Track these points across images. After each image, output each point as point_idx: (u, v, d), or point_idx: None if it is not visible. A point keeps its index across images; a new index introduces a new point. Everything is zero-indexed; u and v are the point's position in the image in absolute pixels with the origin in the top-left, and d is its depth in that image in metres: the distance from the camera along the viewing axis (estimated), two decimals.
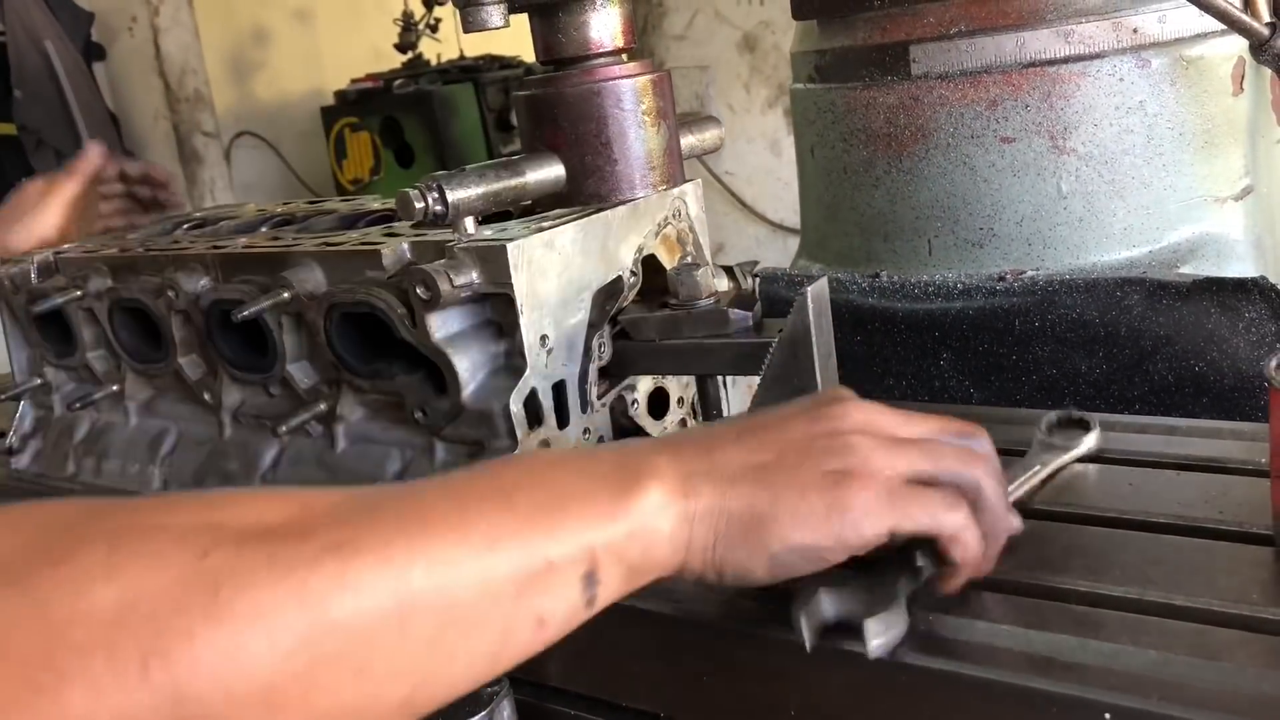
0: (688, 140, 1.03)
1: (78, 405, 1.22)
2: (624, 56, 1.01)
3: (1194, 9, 1.29)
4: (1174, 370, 1.25)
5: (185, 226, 1.38)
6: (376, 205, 1.31)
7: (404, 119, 5.47)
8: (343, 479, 1.03)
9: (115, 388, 1.23)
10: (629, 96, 0.90)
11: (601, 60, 0.97)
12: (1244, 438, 0.93)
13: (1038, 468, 0.94)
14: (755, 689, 0.78)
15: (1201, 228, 1.44)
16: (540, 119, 0.93)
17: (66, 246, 1.32)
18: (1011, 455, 0.96)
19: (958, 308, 1.40)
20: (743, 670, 0.78)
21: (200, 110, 4.79)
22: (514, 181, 0.92)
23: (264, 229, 1.25)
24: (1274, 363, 0.75)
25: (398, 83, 5.54)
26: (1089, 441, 0.96)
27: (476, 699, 0.82)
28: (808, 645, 0.72)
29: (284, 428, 1.01)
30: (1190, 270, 1.32)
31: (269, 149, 5.50)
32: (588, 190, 0.93)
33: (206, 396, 1.14)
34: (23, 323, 1.29)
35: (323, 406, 1.03)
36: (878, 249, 1.54)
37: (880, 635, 0.71)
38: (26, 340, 1.33)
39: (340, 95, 5.71)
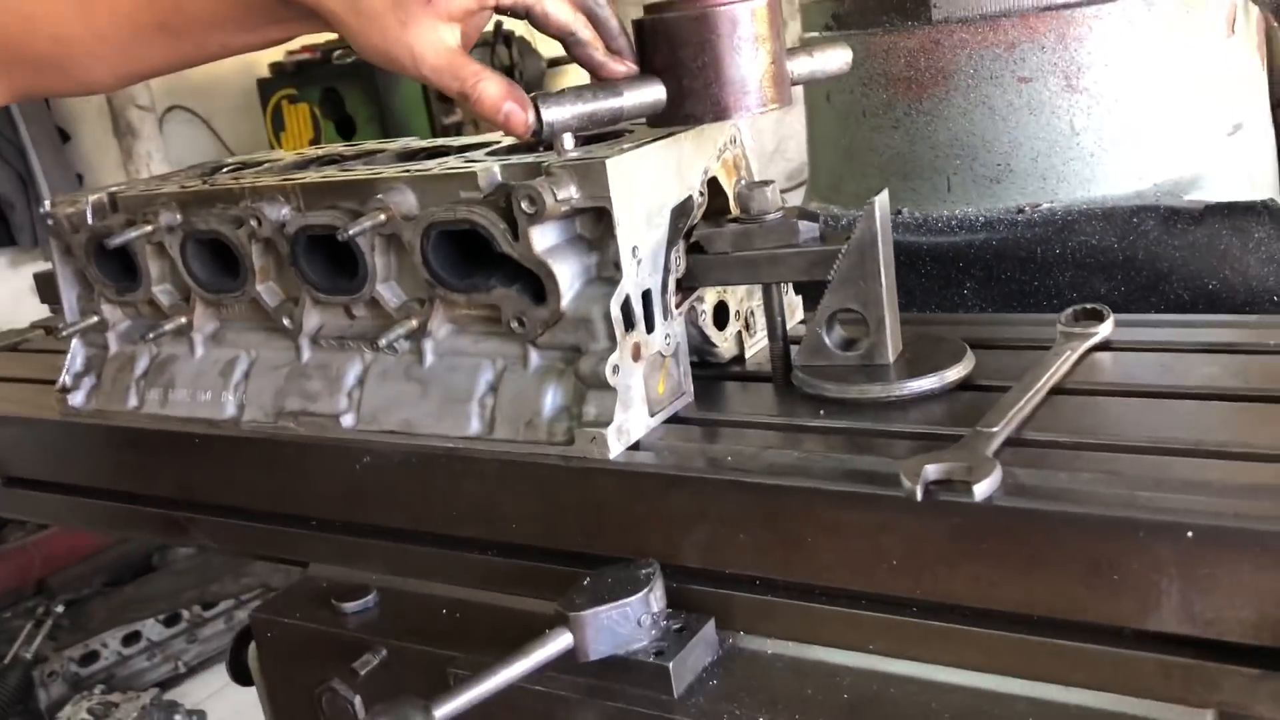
0: (809, 64, 1.15)
1: (150, 336, 1.33)
2: None
3: None
4: (1189, 289, 1.42)
5: (225, 170, 1.50)
6: (424, 143, 1.45)
7: (345, 90, 5.57)
8: (434, 391, 1.16)
9: (183, 320, 1.34)
10: (726, 23, 1.04)
11: None
12: (1250, 326, 1.12)
13: (1068, 353, 1.11)
14: (857, 544, 0.93)
15: (1200, 162, 1.62)
16: (644, 44, 1.07)
17: (121, 184, 1.43)
18: (1039, 349, 1.13)
19: (981, 239, 1.56)
20: (846, 529, 0.93)
21: None
22: (612, 103, 1.05)
23: (319, 167, 1.37)
24: None
25: (337, 53, 5.62)
26: (1105, 329, 1.15)
27: (635, 580, 0.97)
28: (918, 497, 0.87)
29: (383, 341, 1.14)
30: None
31: (201, 123, 5.55)
32: (684, 112, 1.07)
33: (286, 321, 1.26)
34: (81, 261, 1.40)
35: (414, 322, 1.16)
36: (896, 188, 1.70)
37: (983, 483, 0.86)
38: (80, 279, 1.43)
39: (276, 67, 5.78)
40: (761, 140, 4.11)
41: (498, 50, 5.26)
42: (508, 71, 5.31)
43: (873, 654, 0.97)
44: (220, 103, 5.57)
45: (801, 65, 1.14)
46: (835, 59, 1.16)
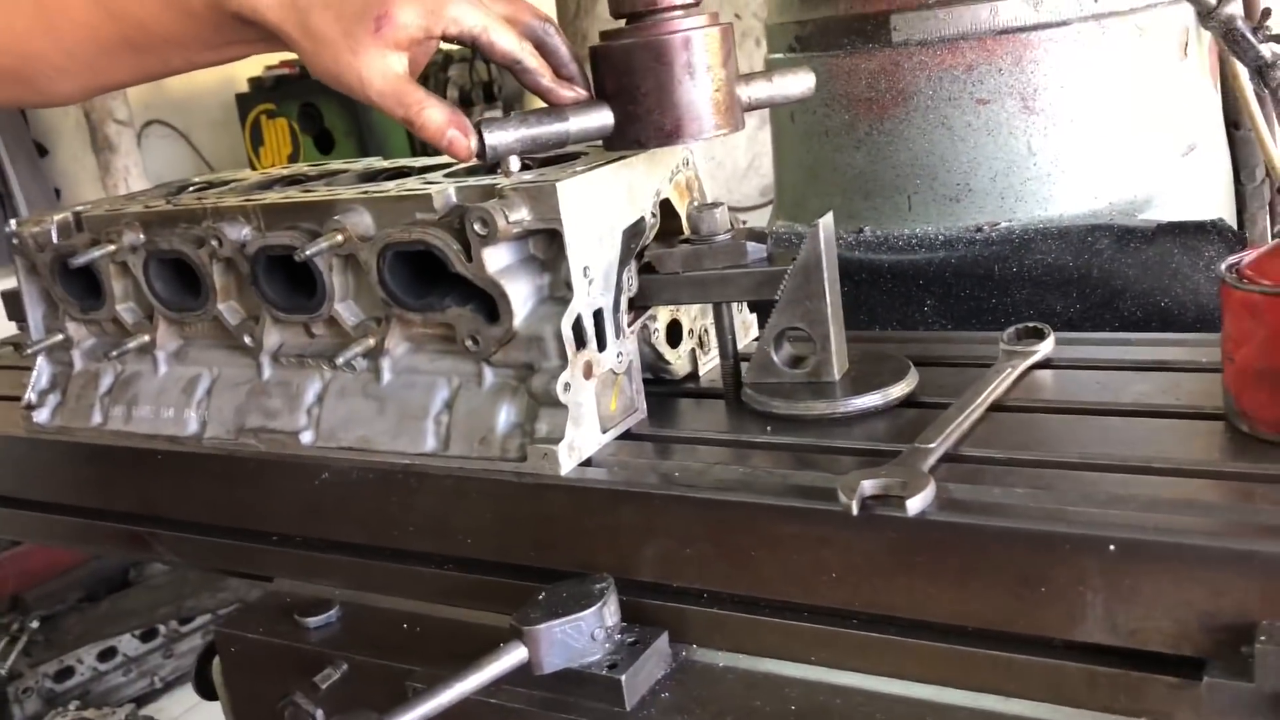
0: (767, 89, 1.18)
1: (114, 354, 1.36)
2: (697, 7, 1.10)
3: None
4: (1141, 307, 1.46)
5: (190, 190, 1.53)
6: (386, 164, 1.48)
7: (323, 104, 5.61)
8: (391, 408, 1.19)
9: (146, 338, 1.37)
10: (671, 50, 1.07)
11: (664, 15, 1.09)
12: (1187, 345, 1.16)
13: (1009, 371, 1.14)
14: (799, 558, 0.96)
15: (1153, 182, 1.66)
16: (596, 71, 1.11)
17: (86, 204, 1.46)
18: (983, 367, 1.16)
19: (940, 257, 1.60)
20: (787, 543, 0.96)
21: (113, 96, 4.85)
22: (557, 127, 1.09)
23: (281, 187, 1.41)
24: (1224, 265, 0.96)
25: None
26: (1046, 347, 1.19)
27: (589, 594, 1.00)
28: (854, 511, 0.91)
29: (340, 359, 1.17)
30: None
31: (180, 137, 5.59)
32: (630, 136, 1.10)
33: (247, 340, 1.29)
34: (46, 279, 1.43)
35: (372, 341, 1.19)
36: (858, 207, 1.74)
37: (916, 498, 0.89)
38: (45, 297, 1.46)
39: (255, 82, 5.83)
40: (735, 157, 4.16)
41: (476, 67, 5.30)
42: (486, 87, 5.35)
43: (818, 666, 1.00)
44: (199, 117, 5.60)
45: (759, 89, 1.16)
46: (797, 84, 1.19)
